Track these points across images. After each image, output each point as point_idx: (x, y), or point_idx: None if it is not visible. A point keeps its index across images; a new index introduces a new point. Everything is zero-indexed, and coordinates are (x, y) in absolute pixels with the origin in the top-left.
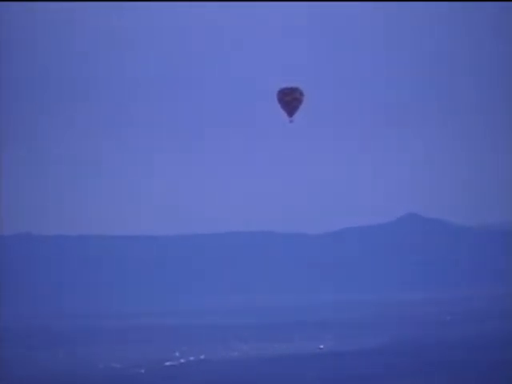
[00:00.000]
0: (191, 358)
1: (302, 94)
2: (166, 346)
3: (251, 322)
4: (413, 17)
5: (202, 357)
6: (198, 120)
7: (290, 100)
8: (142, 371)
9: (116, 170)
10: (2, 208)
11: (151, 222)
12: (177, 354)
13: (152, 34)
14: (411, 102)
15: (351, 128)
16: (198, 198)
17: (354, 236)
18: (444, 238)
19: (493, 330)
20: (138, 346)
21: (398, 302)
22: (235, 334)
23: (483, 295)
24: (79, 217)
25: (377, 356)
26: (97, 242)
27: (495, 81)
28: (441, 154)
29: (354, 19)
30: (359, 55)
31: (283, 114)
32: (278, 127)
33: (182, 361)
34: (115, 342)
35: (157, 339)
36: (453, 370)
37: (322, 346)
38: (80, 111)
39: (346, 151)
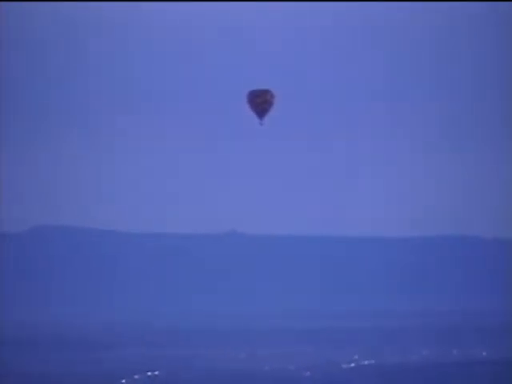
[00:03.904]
0: (365, 362)
1: (272, 96)
2: (346, 348)
3: (428, 324)
4: (403, 17)
5: (373, 361)
6: (170, 122)
7: (260, 102)
8: (308, 374)
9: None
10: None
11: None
12: (356, 356)
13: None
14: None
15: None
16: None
17: None
18: None
19: None
20: (314, 347)
21: None
22: (409, 336)
23: None
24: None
25: None
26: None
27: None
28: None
29: (336, 20)
30: (342, 58)
31: (254, 116)
32: (247, 130)
33: (353, 365)
34: (290, 342)
35: (338, 341)
36: None
37: (484, 353)
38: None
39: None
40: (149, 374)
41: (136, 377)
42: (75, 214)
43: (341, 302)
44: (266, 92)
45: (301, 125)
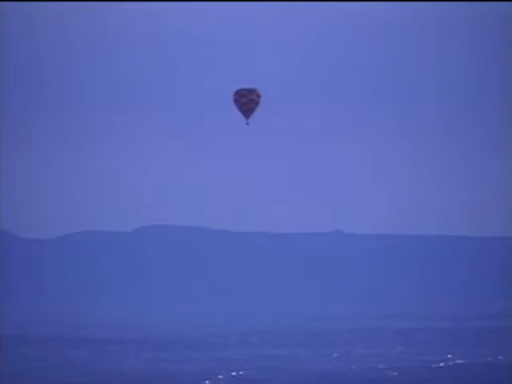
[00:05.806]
0: (457, 362)
1: (259, 95)
2: (440, 347)
3: None
4: (402, 17)
5: (463, 361)
6: (156, 120)
7: (246, 101)
8: (395, 373)
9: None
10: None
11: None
12: (449, 356)
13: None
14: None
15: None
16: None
17: None
18: None
19: None
20: (406, 347)
21: None
22: (502, 336)
23: None
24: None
25: None
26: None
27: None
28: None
29: (324, 18)
30: (332, 57)
31: (240, 116)
32: (233, 129)
33: (442, 364)
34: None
35: (432, 340)
36: None
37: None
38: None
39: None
40: (233, 374)
41: (220, 377)
42: (181, 213)
43: (437, 302)
44: (252, 91)
45: (289, 125)
